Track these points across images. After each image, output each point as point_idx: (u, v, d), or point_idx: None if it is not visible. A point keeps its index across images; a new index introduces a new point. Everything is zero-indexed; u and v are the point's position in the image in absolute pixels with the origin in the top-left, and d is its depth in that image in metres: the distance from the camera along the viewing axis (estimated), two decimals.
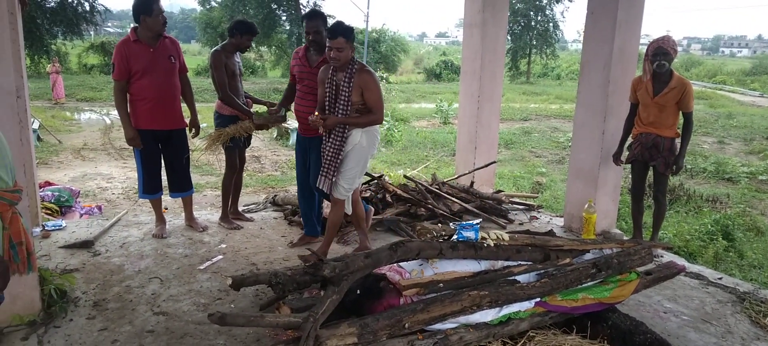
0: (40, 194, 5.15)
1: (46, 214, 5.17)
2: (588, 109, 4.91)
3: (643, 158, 4.56)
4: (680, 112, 4.37)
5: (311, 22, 4.15)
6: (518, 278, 2.98)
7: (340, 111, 3.76)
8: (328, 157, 3.85)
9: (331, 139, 3.84)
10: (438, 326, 2.67)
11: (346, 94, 3.73)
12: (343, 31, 3.68)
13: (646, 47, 4.50)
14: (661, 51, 4.28)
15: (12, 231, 2.08)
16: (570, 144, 7.61)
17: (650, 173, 4.69)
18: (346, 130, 3.81)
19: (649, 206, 5.46)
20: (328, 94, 3.83)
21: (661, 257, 4.54)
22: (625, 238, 4.82)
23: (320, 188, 3.97)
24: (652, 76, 4.38)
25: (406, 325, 2.54)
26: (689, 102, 4.28)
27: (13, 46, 3.12)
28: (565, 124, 14.98)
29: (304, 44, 4.31)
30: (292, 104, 4.48)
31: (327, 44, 3.69)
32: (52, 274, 3.49)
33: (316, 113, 3.77)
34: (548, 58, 33.89)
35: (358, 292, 2.79)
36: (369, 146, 3.91)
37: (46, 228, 4.66)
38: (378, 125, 3.99)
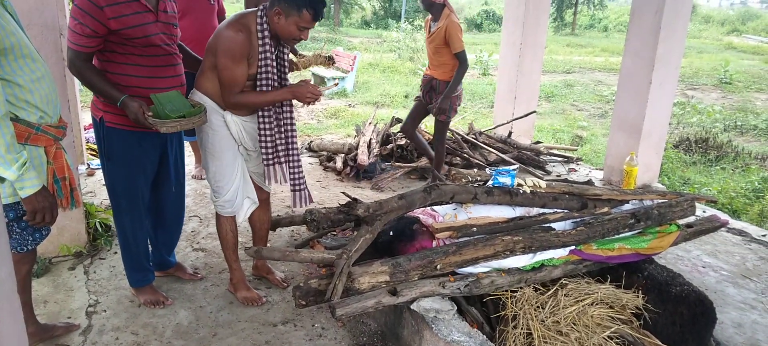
0: (85, 135, 5.31)
1: (91, 154, 5.33)
2: (636, 57, 4.70)
3: (425, 100, 4.62)
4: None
5: None
6: (554, 225, 2.93)
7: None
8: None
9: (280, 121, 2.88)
10: (470, 269, 2.67)
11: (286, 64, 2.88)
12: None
13: None
14: None
15: (56, 166, 2.10)
16: (614, 97, 7.36)
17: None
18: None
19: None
20: (278, 69, 2.82)
21: (703, 212, 4.42)
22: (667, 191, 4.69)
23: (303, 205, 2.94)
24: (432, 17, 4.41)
25: (438, 266, 2.55)
26: (454, 41, 4.18)
27: None
28: (609, 78, 14.45)
29: None
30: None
31: (304, 26, 2.55)
32: (97, 209, 3.64)
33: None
34: (596, 8, 32.56)
35: (391, 233, 2.80)
36: None
37: (91, 167, 4.83)
38: None
